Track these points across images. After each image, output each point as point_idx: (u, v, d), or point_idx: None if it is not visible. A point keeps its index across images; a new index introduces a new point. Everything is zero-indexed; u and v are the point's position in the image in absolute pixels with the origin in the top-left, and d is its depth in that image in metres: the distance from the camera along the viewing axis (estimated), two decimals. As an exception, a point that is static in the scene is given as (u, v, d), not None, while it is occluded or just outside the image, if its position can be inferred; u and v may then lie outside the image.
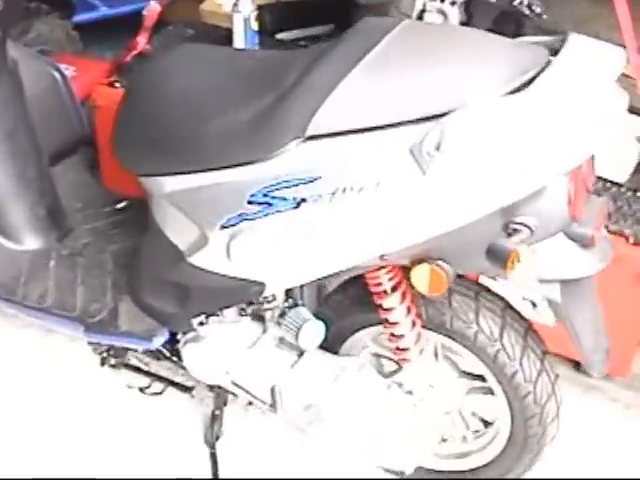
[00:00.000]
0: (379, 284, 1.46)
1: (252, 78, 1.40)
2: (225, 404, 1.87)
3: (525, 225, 1.23)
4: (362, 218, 1.26)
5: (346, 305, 1.62)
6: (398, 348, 1.52)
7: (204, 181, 1.37)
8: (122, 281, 1.76)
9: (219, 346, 1.65)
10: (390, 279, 1.45)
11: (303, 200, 1.28)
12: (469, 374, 1.63)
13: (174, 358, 1.74)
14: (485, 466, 1.68)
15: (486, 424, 1.69)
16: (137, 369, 1.92)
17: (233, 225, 1.37)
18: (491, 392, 1.62)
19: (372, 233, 1.28)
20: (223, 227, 1.38)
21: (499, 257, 1.18)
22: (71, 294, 1.76)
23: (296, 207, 1.29)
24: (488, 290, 1.53)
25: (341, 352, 1.69)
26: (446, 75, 1.20)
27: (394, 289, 1.46)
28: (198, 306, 1.58)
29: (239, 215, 1.35)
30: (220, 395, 1.85)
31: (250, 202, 1.33)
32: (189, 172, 1.39)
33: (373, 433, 1.57)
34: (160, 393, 1.92)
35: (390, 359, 1.65)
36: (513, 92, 1.17)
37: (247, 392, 1.66)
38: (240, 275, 1.44)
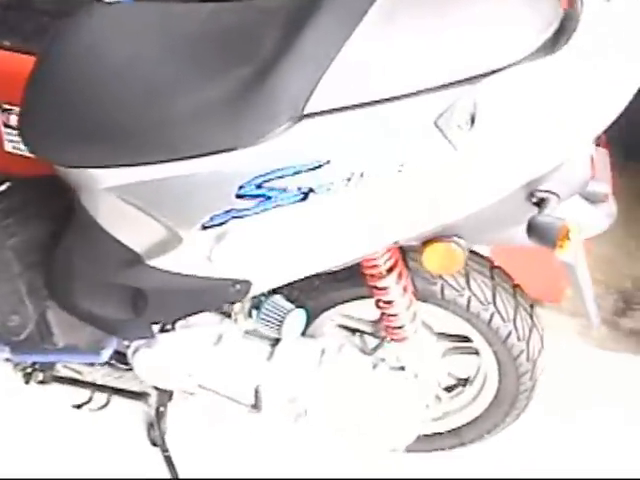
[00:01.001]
0: (375, 266, 1.31)
1: (212, 41, 1.15)
2: (170, 399, 1.67)
3: (551, 192, 1.13)
4: (384, 204, 1.10)
5: (317, 285, 1.46)
6: (393, 327, 1.40)
7: (168, 173, 1.13)
8: (39, 283, 1.47)
9: (178, 347, 1.45)
10: (387, 260, 1.31)
11: (311, 190, 1.09)
12: (445, 335, 1.55)
13: (120, 366, 1.52)
14: (467, 425, 1.63)
15: (463, 383, 1.64)
16: (72, 381, 1.65)
17: (219, 224, 1.15)
18: (475, 352, 1.56)
19: (394, 219, 1.12)
20: (205, 227, 1.16)
21: (548, 235, 1.07)
22: None
23: (303, 199, 1.10)
24: (473, 251, 1.43)
25: (306, 333, 1.54)
26: (471, 33, 1.04)
27: (390, 270, 1.32)
28: (163, 312, 1.36)
29: (226, 212, 1.13)
30: (164, 391, 1.64)
31: (240, 196, 1.11)
32: (145, 163, 1.14)
33: (364, 415, 1.46)
34: (105, 405, 1.67)
35: (370, 334, 1.53)
36: (540, 51, 1.04)
37: (219, 394, 1.48)
38: (223, 276, 1.23)
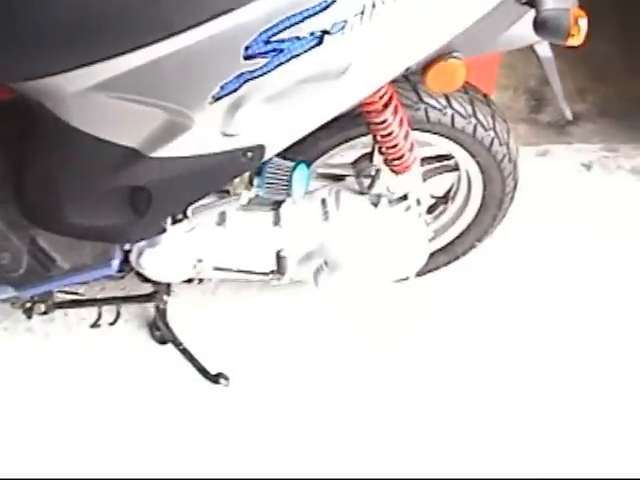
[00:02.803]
0: (373, 103, 1.30)
1: None
2: (169, 294, 1.64)
3: None
4: (398, 31, 1.09)
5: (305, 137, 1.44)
6: (394, 159, 1.42)
7: (164, 51, 1.05)
8: (15, 216, 1.37)
9: (183, 237, 1.41)
10: (381, 96, 1.31)
11: (325, 32, 1.05)
12: (426, 158, 1.60)
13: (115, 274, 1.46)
14: (458, 238, 1.71)
15: (444, 201, 1.70)
16: (75, 303, 1.57)
17: (232, 92, 1.10)
18: (453, 169, 1.61)
19: (408, 44, 1.12)
20: (216, 98, 1.10)
21: (559, 27, 1.10)
22: None
23: (319, 43, 1.06)
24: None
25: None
26: None
27: (386, 105, 1.32)
28: (170, 203, 1.31)
29: (237, 77, 1.08)
30: (162, 285, 1.60)
31: (248, 57, 1.06)
32: (134, 49, 1.05)
33: (377, 252, 1.50)
34: (116, 319, 1.62)
35: (356, 176, 1.54)
36: None
37: (236, 271, 1.47)
38: (236, 146, 1.19)
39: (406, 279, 1.61)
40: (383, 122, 1.34)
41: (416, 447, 1.57)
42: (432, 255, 1.71)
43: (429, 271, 1.74)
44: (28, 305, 1.50)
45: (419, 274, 1.65)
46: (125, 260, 1.43)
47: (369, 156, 1.53)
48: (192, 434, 1.57)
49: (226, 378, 1.62)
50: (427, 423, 1.60)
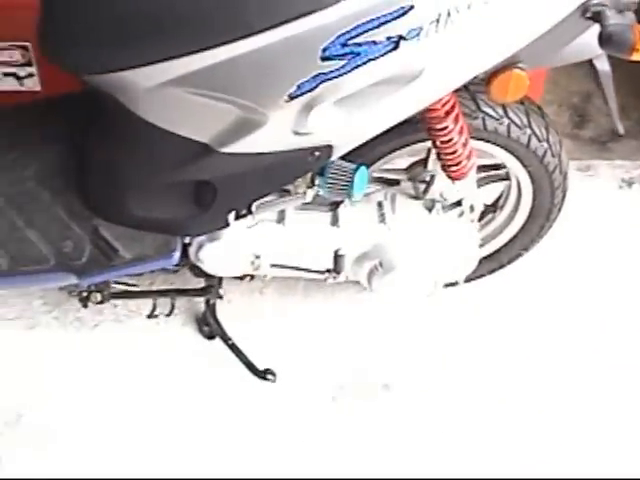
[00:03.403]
0: (436, 109, 1.34)
1: None
2: (220, 284, 1.67)
3: (602, 4, 1.19)
4: (472, 39, 1.13)
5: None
6: (451, 165, 1.45)
7: (243, 50, 1.09)
8: (76, 206, 1.41)
9: (244, 234, 1.45)
10: (445, 103, 1.34)
11: (401, 38, 1.09)
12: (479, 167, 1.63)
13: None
14: (504, 247, 1.74)
15: (492, 210, 1.73)
16: (131, 293, 1.61)
17: (308, 91, 1.13)
18: (504, 178, 1.65)
19: (480, 52, 1.15)
20: (292, 97, 1.14)
21: (624, 41, 1.13)
22: (26, 244, 1.39)
23: (394, 48, 1.10)
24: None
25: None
26: None
27: (448, 113, 1.36)
28: (235, 199, 1.36)
29: (314, 77, 1.12)
30: (215, 280, 1.64)
31: (325, 58, 1.10)
32: (214, 46, 1.09)
33: (429, 256, 1.53)
34: (172, 311, 1.66)
35: (410, 180, 1.58)
36: None
37: (293, 268, 1.51)
38: (306, 145, 1.23)
39: (455, 284, 1.64)
40: (444, 129, 1.37)
41: (456, 452, 1.60)
42: (479, 262, 1.74)
43: (474, 278, 1.77)
44: (85, 294, 1.54)
45: (469, 280, 1.68)
46: (183, 253, 1.46)
47: (423, 162, 1.57)
48: (238, 429, 1.60)
49: (273, 374, 1.66)
50: (468, 429, 1.63)
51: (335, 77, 1.12)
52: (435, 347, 1.75)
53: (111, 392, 1.64)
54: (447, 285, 1.65)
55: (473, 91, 1.45)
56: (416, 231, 1.52)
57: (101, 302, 1.56)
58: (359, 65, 1.11)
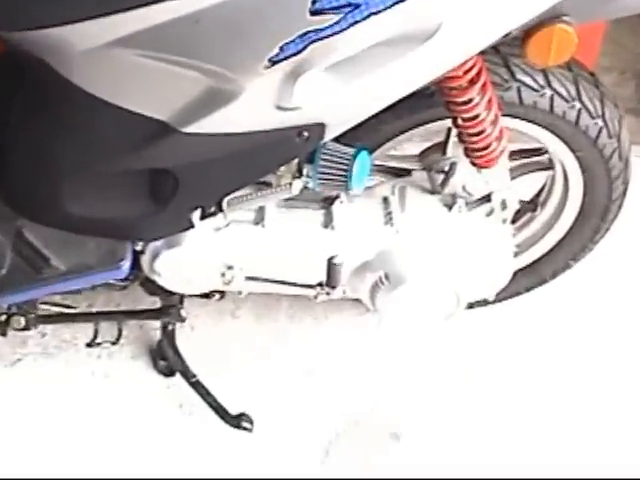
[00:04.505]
0: (457, 77, 1.38)
1: None
2: (182, 304, 1.68)
3: None
4: None
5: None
6: (477, 149, 1.49)
7: (204, 2, 1.12)
8: None
9: (213, 238, 1.49)
10: (468, 70, 1.38)
11: (412, -13, 1.13)
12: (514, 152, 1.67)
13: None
14: (546, 255, 1.78)
15: (531, 207, 1.77)
16: (65, 317, 1.64)
17: (295, 54, 1.17)
18: (546, 167, 1.70)
19: (515, 2, 1.20)
20: (274, 62, 1.18)
21: None
22: None
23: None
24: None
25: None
26: None
27: (473, 81, 1.40)
28: (202, 192, 1.40)
29: (302, 37, 1.16)
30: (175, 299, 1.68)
31: (316, 12, 1.14)
32: None
33: (450, 265, 1.57)
34: (119, 338, 1.68)
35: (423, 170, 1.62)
36: None
37: (275, 282, 1.54)
38: (291, 123, 1.27)
39: (483, 303, 1.68)
40: (468, 102, 1.42)
41: (479, 468, 1.65)
42: (514, 276, 1.78)
43: (507, 296, 1.81)
44: (3, 318, 1.56)
45: (498, 299, 1.71)
46: (134, 264, 1.49)
47: (442, 146, 1.61)
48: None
49: (250, 421, 1.69)
50: (492, 446, 1.70)
51: (328, 36, 1.16)
52: (456, 385, 1.80)
53: (38, 446, 1.67)
54: (472, 305, 1.69)
55: (505, 53, 1.50)
56: (432, 234, 1.56)
57: (25, 328, 1.59)
58: (358, 20, 1.14)
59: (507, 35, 1.27)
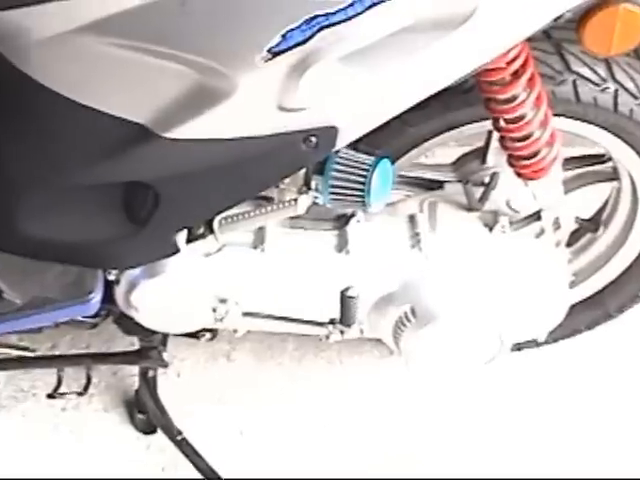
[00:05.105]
0: (497, 70, 1.39)
1: None
2: (164, 346, 1.70)
3: None
4: None
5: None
6: (523, 157, 1.50)
7: None
8: None
9: (202, 265, 1.50)
10: (512, 60, 1.39)
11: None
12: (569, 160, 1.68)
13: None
14: (613, 284, 1.79)
15: (592, 227, 1.78)
16: (23, 361, 1.66)
17: (300, 43, 1.18)
18: (610, 178, 1.71)
19: None
20: (275, 53, 1.19)
21: None
22: None
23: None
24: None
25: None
26: None
27: (518, 74, 1.41)
28: (190, 211, 1.40)
29: (308, 22, 1.17)
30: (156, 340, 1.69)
31: (325, -8, 1.15)
32: None
33: (491, 297, 1.58)
34: (87, 387, 1.69)
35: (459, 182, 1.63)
36: None
37: (278, 319, 1.55)
38: (296, 126, 1.28)
39: (532, 344, 1.68)
40: (512, 100, 1.42)
41: None
42: (570, 311, 1.78)
43: (563, 336, 1.81)
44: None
45: (551, 339, 1.71)
46: (106, 297, 1.50)
47: (481, 153, 1.62)
48: None
49: (245, 487, 1.70)
50: None
51: (341, 21, 1.17)
52: (499, 446, 1.80)
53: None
54: (519, 346, 1.70)
55: (558, 39, 1.51)
56: (468, 261, 1.57)
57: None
58: (377, 2, 1.16)
59: (558, 18, 1.28)
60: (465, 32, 1.21)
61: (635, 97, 1.53)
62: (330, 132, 1.31)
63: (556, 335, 1.75)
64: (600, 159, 1.71)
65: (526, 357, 1.84)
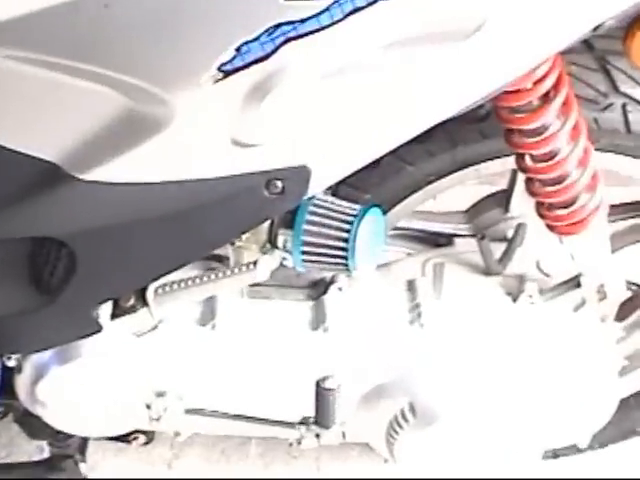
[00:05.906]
0: (520, 93, 1.39)
1: None
2: (84, 453, 1.71)
3: None
4: None
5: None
6: (556, 205, 1.50)
7: None
8: None
9: (132, 347, 1.50)
10: (538, 80, 1.40)
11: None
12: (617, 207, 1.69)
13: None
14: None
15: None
16: None
17: (259, 60, 1.19)
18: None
19: None
20: (226, 72, 1.19)
21: None
22: None
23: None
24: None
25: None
26: None
27: (548, 97, 1.41)
28: (115, 276, 1.40)
29: (270, 33, 1.17)
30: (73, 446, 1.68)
31: (295, -6, 1.16)
32: None
33: (517, 393, 1.57)
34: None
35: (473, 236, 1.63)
36: None
37: (232, 418, 1.55)
38: (257, 167, 1.28)
39: (573, 450, 1.68)
40: (541, 131, 1.43)
41: None
42: (620, 407, 1.78)
43: (613, 440, 1.81)
44: None
45: (597, 444, 1.72)
46: (4, 388, 1.50)
47: (502, 200, 1.62)
48: None
49: None
50: None
51: (312, 32, 1.17)
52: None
53: None
54: (556, 454, 1.68)
55: (602, 51, 1.52)
56: (485, 341, 1.57)
57: None
58: (359, 7, 1.16)
59: (598, 27, 1.29)
60: (475, 44, 1.22)
61: None
62: (300, 174, 1.30)
63: (603, 438, 1.74)
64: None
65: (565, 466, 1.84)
